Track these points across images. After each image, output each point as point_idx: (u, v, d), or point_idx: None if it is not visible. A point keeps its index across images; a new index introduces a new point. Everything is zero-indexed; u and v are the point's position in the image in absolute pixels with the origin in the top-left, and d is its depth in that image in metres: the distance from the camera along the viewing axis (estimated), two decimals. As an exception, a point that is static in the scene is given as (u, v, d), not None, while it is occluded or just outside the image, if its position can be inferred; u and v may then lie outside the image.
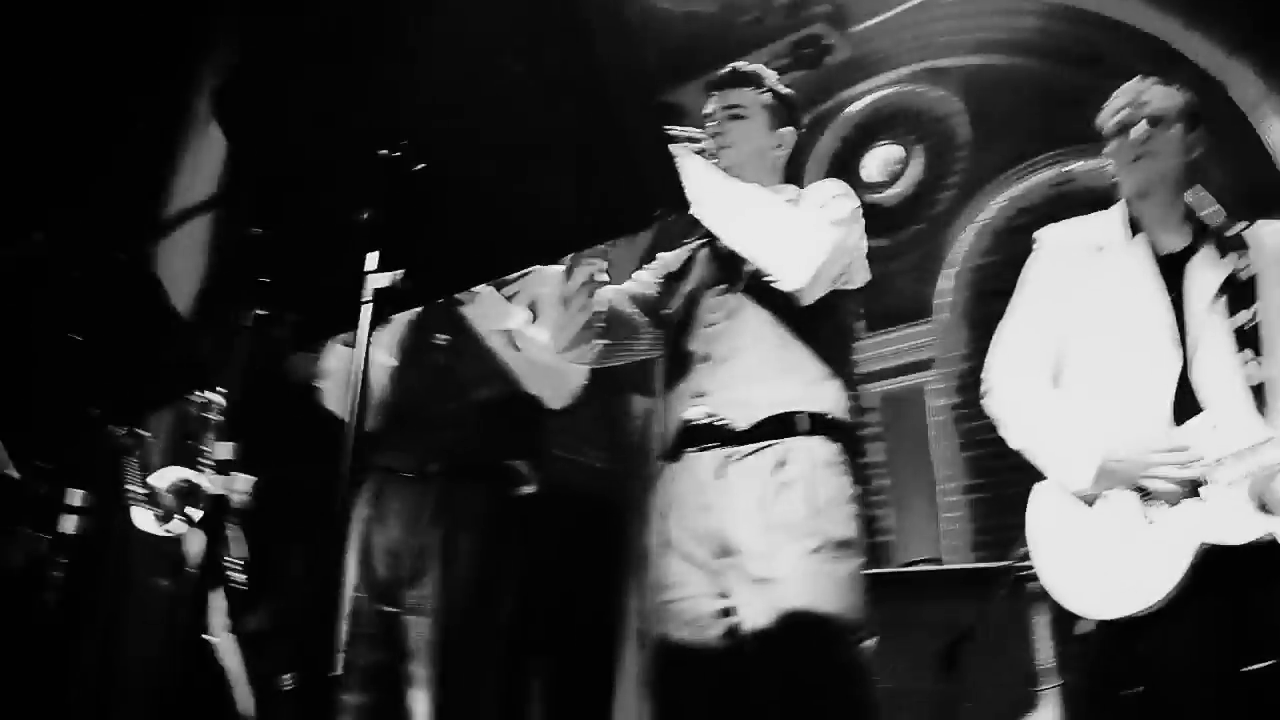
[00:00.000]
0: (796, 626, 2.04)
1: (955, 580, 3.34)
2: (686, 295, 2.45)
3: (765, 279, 2.18)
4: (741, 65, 2.52)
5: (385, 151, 1.41)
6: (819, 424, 2.20)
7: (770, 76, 2.52)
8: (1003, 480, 4.92)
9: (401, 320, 2.91)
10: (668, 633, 2.21)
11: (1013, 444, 2.44)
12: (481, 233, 1.36)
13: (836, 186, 2.34)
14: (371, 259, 1.32)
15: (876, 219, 6.23)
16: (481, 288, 2.62)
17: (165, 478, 3.49)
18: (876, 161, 6.35)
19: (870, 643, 2.11)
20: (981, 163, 5.88)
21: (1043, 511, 2.39)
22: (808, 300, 2.18)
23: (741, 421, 2.20)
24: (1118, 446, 2.24)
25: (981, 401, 2.52)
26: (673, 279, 2.53)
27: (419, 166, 1.41)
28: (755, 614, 2.08)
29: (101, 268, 1.98)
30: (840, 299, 2.30)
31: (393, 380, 2.80)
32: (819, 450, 2.17)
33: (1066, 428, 2.34)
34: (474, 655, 2.54)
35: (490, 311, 2.59)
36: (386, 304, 1.30)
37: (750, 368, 2.24)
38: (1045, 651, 2.78)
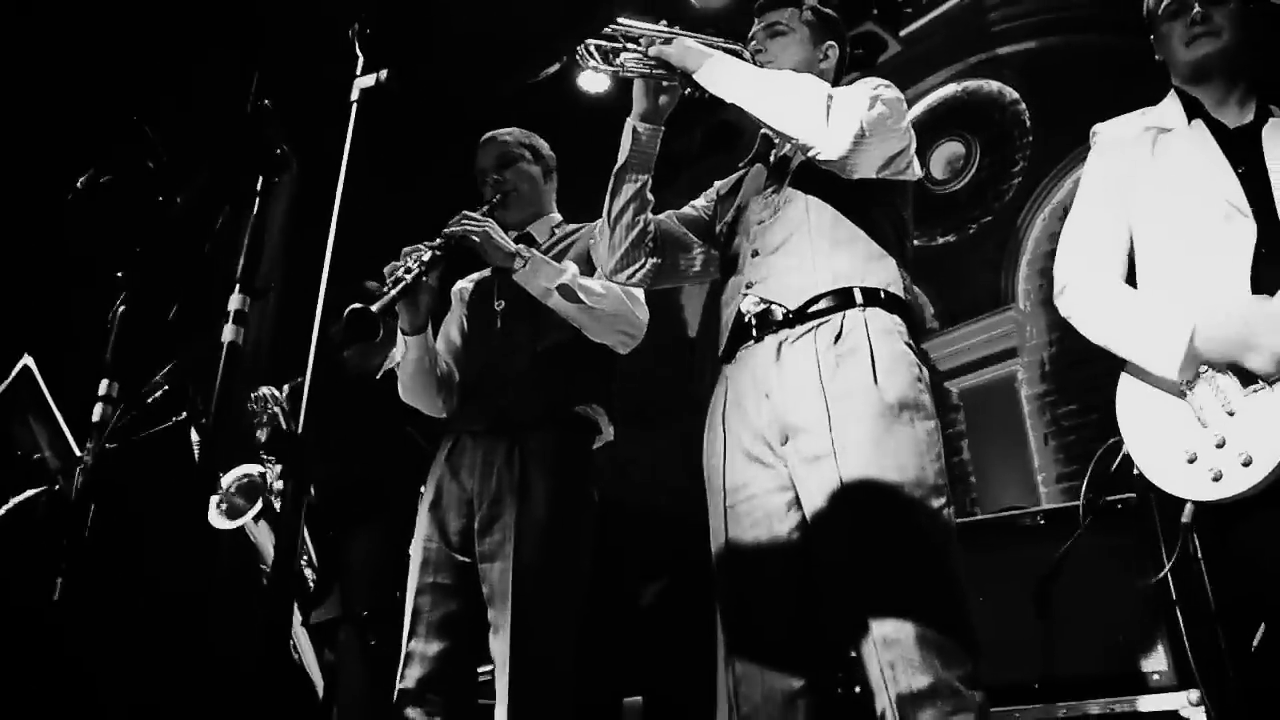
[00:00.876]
0: (868, 498, 1.91)
1: (1042, 524, 3.14)
2: (736, 206, 2.41)
3: (806, 154, 2.11)
4: None
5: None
6: (874, 297, 2.10)
7: None
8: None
9: (461, 299, 2.95)
10: (736, 534, 2.10)
11: (1093, 340, 2.30)
12: (476, 28, 1.33)
13: (879, 79, 2.29)
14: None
15: (945, 215, 6.17)
16: (530, 251, 2.64)
17: (231, 473, 3.52)
18: (940, 160, 6.27)
19: (949, 512, 1.96)
20: (1047, 146, 5.75)
21: (1132, 400, 2.24)
22: (855, 172, 2.10)
23: (793, 301, 2.11)
24: (1206, 324, 2.09)
25: (1055, 301, 2.39)
26: (723, 200, 2.50)
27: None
28: (822, 495, 1.97)
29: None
30: (892, 190, 2.23)
31: (463, 357, 2.85)
32: (877, 319, 2.08)
33: (1147, 315, 2.20)
34: (551, 598, 2.49)
35: (542, 270, 2.59)
36: (374, 105, 1.28)
37: (801, 251, 2.17)
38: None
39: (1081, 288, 2.34)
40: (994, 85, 6.10)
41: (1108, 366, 2.33)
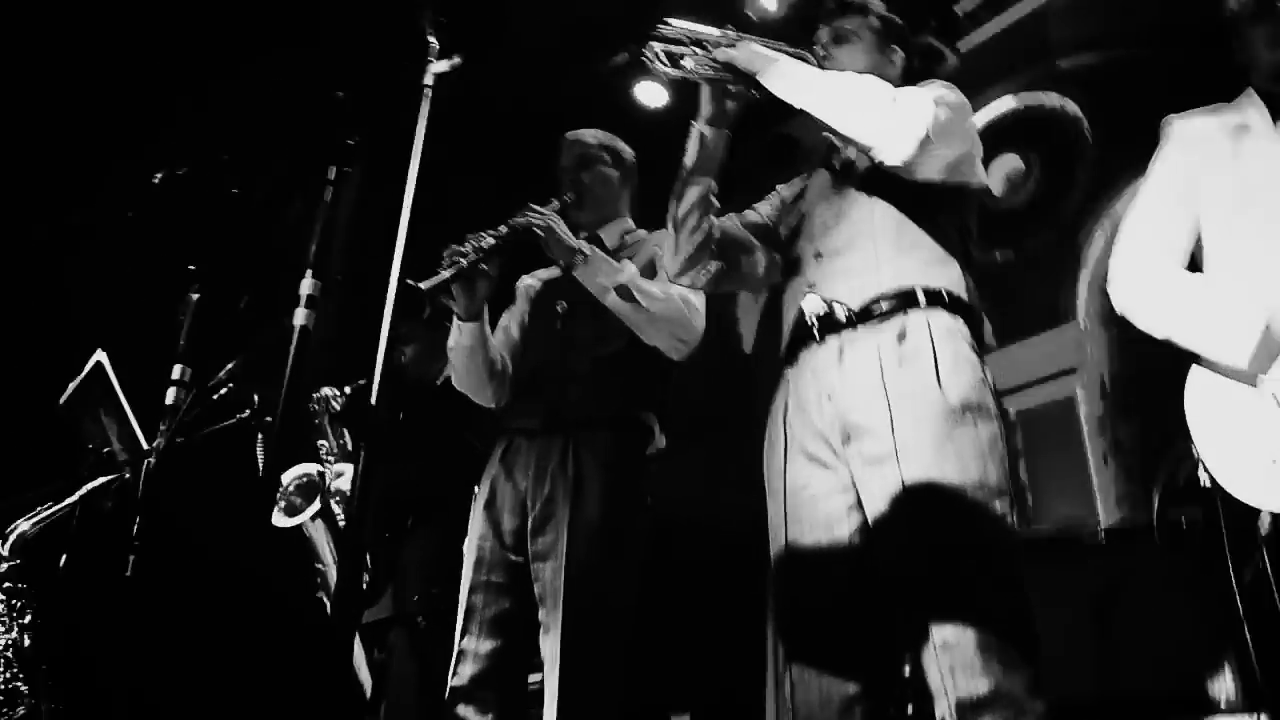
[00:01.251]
0: (930, 500, 1.89)
1: (1106, 543, 3.07)
2: (800, 210, 2.41)
3: (868, 155, 2.10)
4: None
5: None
6: (937, 299, 2.08)
7: (876, 3, 2.49)
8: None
9: (526, 296, 2.98)
10: (796, 535, 2.09)
11: (1155, 333, 2.25)
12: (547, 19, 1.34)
13: (944, 83, 2.28)
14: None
15: (1003, 230, 6.09)
16: (592, 249, 2.66)
17: (290, 472, 3.57)
18: (998, 174, 6.19)
19: (1013, 516, 1.93)
20: (1109, 161, 5.65)
21: (1202, 399, 2.17)
22: (919, 175, 2.10)
23: (856, 301, 2.10)
24: None
25: (1108, 290, 2.34)
26: (787, 205, 2.50)
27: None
28: (884, 497, 1.95)
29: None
30: (957, 196, 2.22)
31: (519, 353, 2.87)
32: (940, 321, 2.06)
33: (1216, 300, 2.15)
34: (602, 598, 2.49)
35: (601, 268, 2.61)
36: (447, 92, 1.30)
37: (864, 253, 2.17)
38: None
39: (1142, 275, 2.29)
40: (1054, 99, 6.02)
41: (1172, 383, 2.27)
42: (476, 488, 2.82)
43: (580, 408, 2.64)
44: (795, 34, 2.47)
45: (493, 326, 2.84)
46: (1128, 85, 5.51)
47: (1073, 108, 5.92)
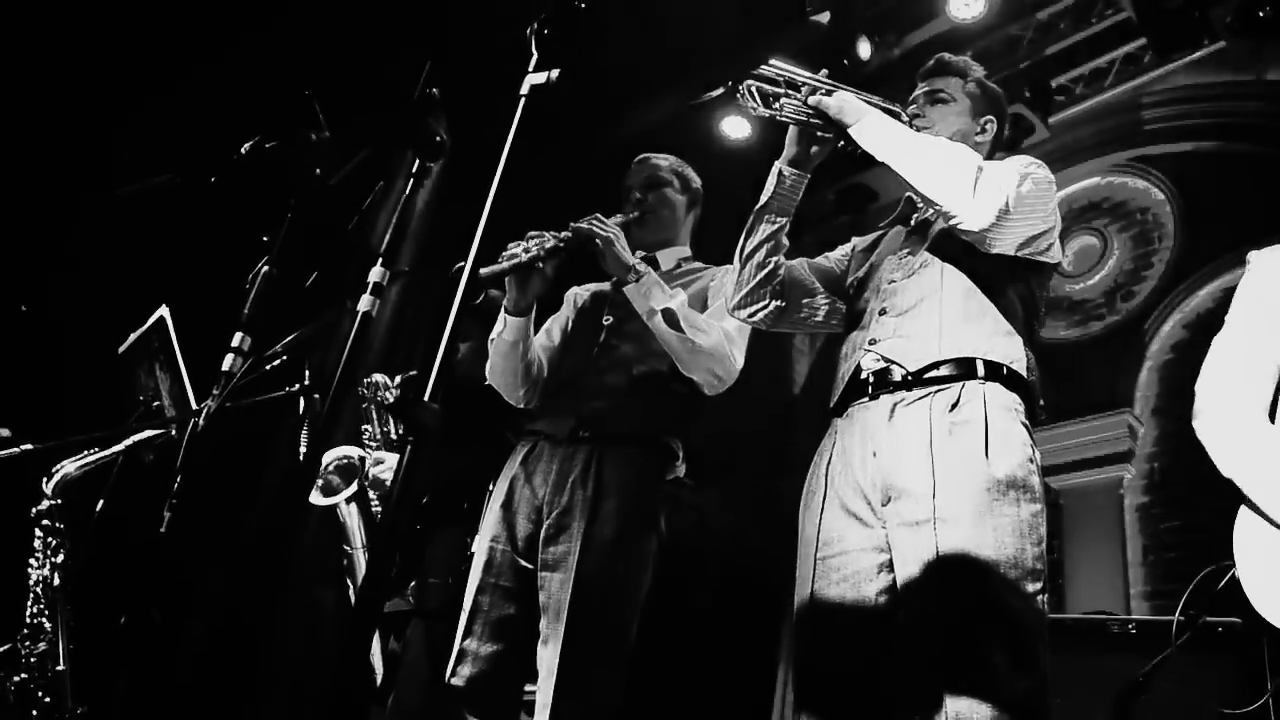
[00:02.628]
0: (962, 571, 1.87)
1: (1133, 633, 3.00)
2: (870, 263, 2.40)
3: (947, 222, 2.09)
4: (947, 56, 2.49)
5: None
6: (996, 372, 2.06)
7: (976, 69, 2.48)
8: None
9: (573, 304, 3.00)
10: (823, 587, 2.07)
11: (1223, 472, 2.22)
12: (642, 42, 1.36)
13: (1031, 158, 2.26)
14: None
15: (1071, 308, 6.03)
16: (646, 269, 2.66)
17: (331, 453, 3.60)
18: (1072, 252, 6.13)
19: (1044, 599, 1.90)
20: (1187, 253, 5.57)
21: (1252, 534, 2.14)
22: (994, 247, 2.08)
23: (913, 364, 2.09)
24: None
25: (1193, 424, 2.31)
26: (859, 256, 2.49)
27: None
28: (916, 562, 1.93)
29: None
30: (1030, 270, 2.20)
31: (557, 359, 2.88)
32: (996, 394, 2.04)
33: None
34: (606, 615, 2.47)
35: (652, 290, 2.61)
36: (540, 101, 1.32)
37: (929, 316, 2.15)
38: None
39: (1220, 415, 2.25)
40: (1139, 183, 5.96)
41: (1225, 488, 2.23)
42: (492, 485, 2.82)
43: (609, 423, 2.63)
44: (885, 86, 2.47)
45: (536, 328, 2.86)
46: (1217, 179, 5.44)
47: (1158, 194, 5.85)
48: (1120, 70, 5.71)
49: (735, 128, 5.61)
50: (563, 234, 2.61)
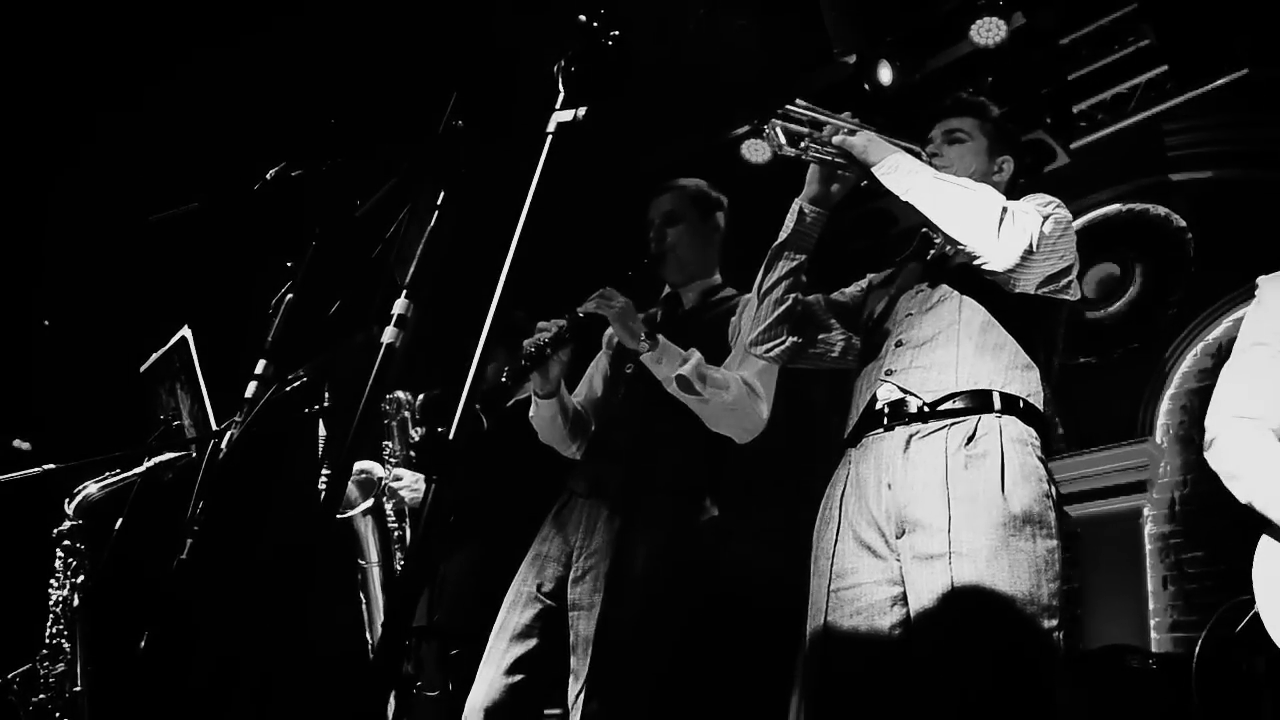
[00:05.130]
0: (977, 606, 1.86)
1: (1153, 668, 2.97)
2: (887, 296, 2.40)
3: (972, 262, 2.09)
4: (964, 95, 2.50)
5: (583, 18, 1.46)
6: (1013, 405, 2.05)
7: (992, 108, 2.49)
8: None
9: (608, 346, 3.00)
10: (836, 619, 2.07)
11: (1239, 498, 2.21)
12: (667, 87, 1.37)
13: (1050, 196, 2.26)
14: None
15: (1091, 336, 5.99)
16: (657, 338, 2.64)
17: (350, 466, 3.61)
18: (1093, 279, 6.10)
19: (1059, 636, 1.89)
20: (1209, 281, 5.53)
21: (1272, 564, 2.12)
22: (1017, 286, 2.09)
23: (930, 395, 2.08)
24: None
25: (1205, 454, 2.30)
26: (875, 290, 2.50)
27: (613, 34, 1.45)
28: (931, 596, 1.92)
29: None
30: (1048, 305, 2.19)
31: (600, 407, 2.91)
32: (1012, 428, 2.03)
33: None
34: (633, 653, 2.48)
35: (664, 357, 2.60)
36: (568, 138, 1.33)
37: (946, 348, 2.15)
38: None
39: (1232, 442, 2.25)
40: (1161, 210, 5.92)
41: (1242, 516, 2.23)
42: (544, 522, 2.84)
43: (638, 477, 2.64)
44: (905, 107, 2.47)
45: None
46: (1239, 207, 5.41)
47: (1179, 221, 5.82)
48: (1142, 97, 5.69)
49: (755, 152, 5.62)
50: (564, 323, 2.65)
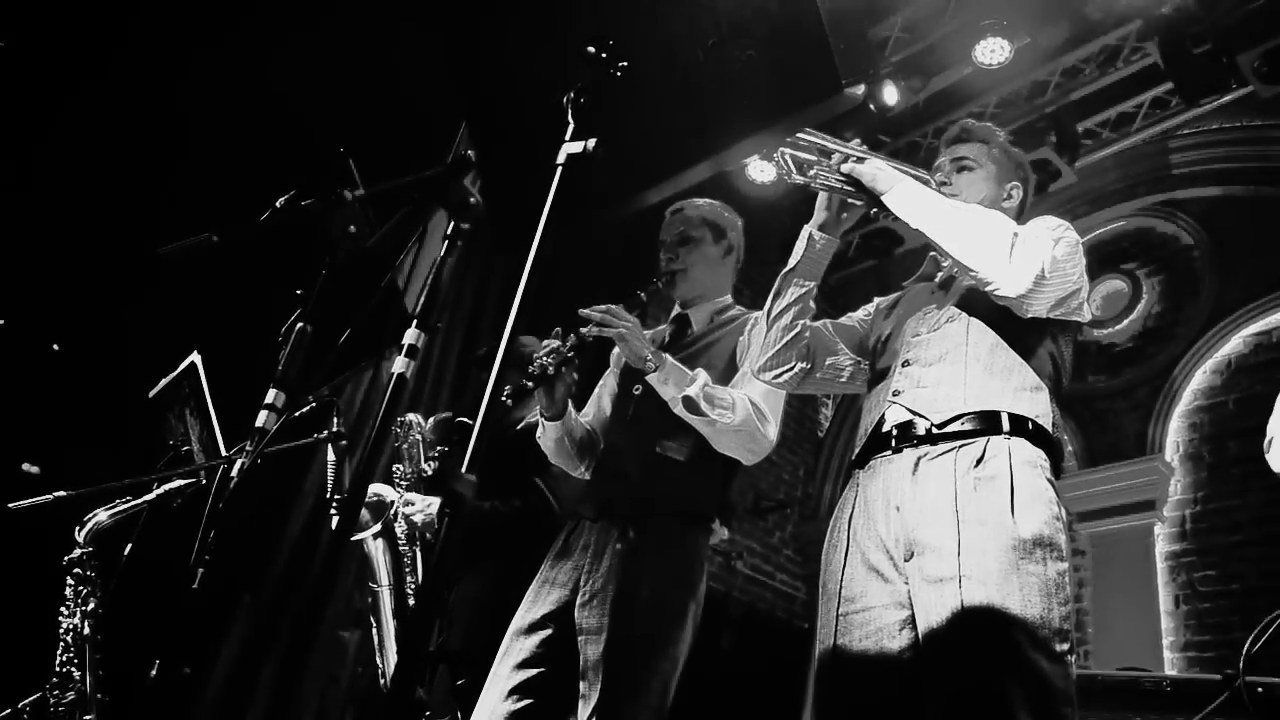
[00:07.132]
0: (987, 630, 1.85)
1: (1167, 691, 2.94)
2: (896, 318, 2.40)
3: (984, 288, 2.10)
4: (971, 122, 2.51)
5: (592, 49, 1.47)
6: (1021, 426, 2.05)
7: (1000, 134, 2.49)
8: (1226, 636, 4.41)
9: (616, 364, 3.00)
10: (845, 643, 2.06)
11: None
12: (678, 115, 1.38)
13: (1058, 219, 2.27)
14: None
15: (1099, 354, 5.98)
16: (664, 357, 2.64)
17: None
18: (1100, 297, 6.10)
19: (1070, 659, 1.88)
20: (1219, 298, 5.53)
21: None
22: (1029, 311, 2.09)
23: (938, 415, 2.08)
24: None
25: (1268, 457, 2.30)
26: (882, 314, 2.50)
27: (621, 64, 1.46)
28: (940, 620, 1.91)
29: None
30: (1057, 327, 2.19)
31: (606, 426, 2.90)
32: (1021, 449, 2.02)
33: None
34: (642, 675, 2.47)
35: (670, 378, 2.61)
36: (579, 169, 1.33)
37: (954, 369, 2.14)
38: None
39: None
40: (1168, 227, 5.93)
41: (1261, 534, 2.22)
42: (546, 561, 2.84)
43: (644, 500, 2.64)
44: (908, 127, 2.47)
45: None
46: (1246, 223, 5.41)
47: (1186, 238, 5.82)
48: (1147, 114, 5.70)
49: (761, 172, 5.64)
50: (570, 343, 2.65)
